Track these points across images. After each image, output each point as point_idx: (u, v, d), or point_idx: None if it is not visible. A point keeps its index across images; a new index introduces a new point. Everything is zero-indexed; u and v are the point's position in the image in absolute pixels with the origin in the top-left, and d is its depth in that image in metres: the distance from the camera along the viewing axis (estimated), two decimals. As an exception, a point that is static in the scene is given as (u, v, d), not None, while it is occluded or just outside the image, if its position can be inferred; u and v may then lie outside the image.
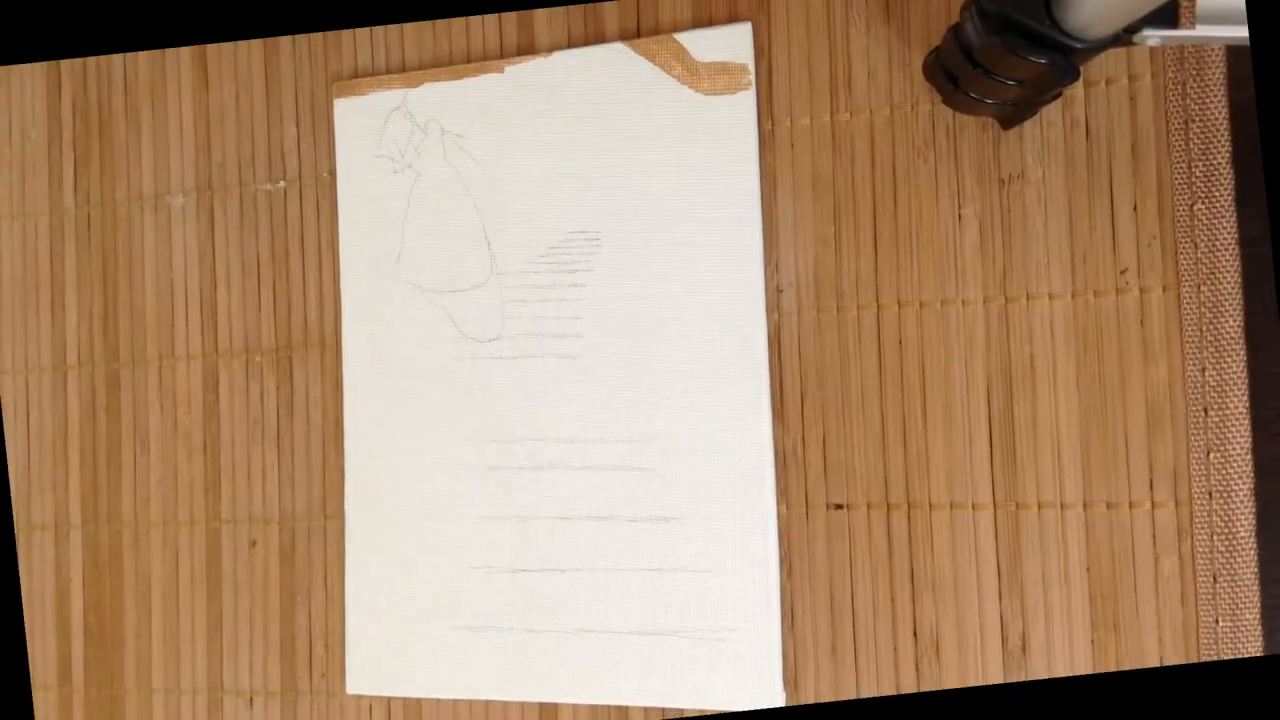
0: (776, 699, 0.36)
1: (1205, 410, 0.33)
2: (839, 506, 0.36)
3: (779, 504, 0.36)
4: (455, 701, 0.39)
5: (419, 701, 0.40)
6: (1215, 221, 0.33)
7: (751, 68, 0.37)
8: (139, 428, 0.44)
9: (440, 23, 0.41)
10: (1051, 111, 0.34)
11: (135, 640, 0.44)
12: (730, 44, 0.37)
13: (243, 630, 0.42)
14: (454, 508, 0.39)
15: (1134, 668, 0.33)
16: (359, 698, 0.41)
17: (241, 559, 0.42)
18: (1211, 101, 0.33)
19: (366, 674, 0.40)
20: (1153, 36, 0.27)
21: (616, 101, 0.38)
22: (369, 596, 0.40)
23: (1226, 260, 0.33)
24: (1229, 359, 0.33)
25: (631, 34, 0.39)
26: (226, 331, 0.43)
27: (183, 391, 0.43)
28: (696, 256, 0.37)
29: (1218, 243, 0.33)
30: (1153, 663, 0.33)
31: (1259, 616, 0.32)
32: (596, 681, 0.37)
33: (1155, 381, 0.33)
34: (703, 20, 0.38)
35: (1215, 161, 0.33)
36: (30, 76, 0.47)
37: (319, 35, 0.42)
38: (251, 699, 0.42)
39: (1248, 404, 0.32)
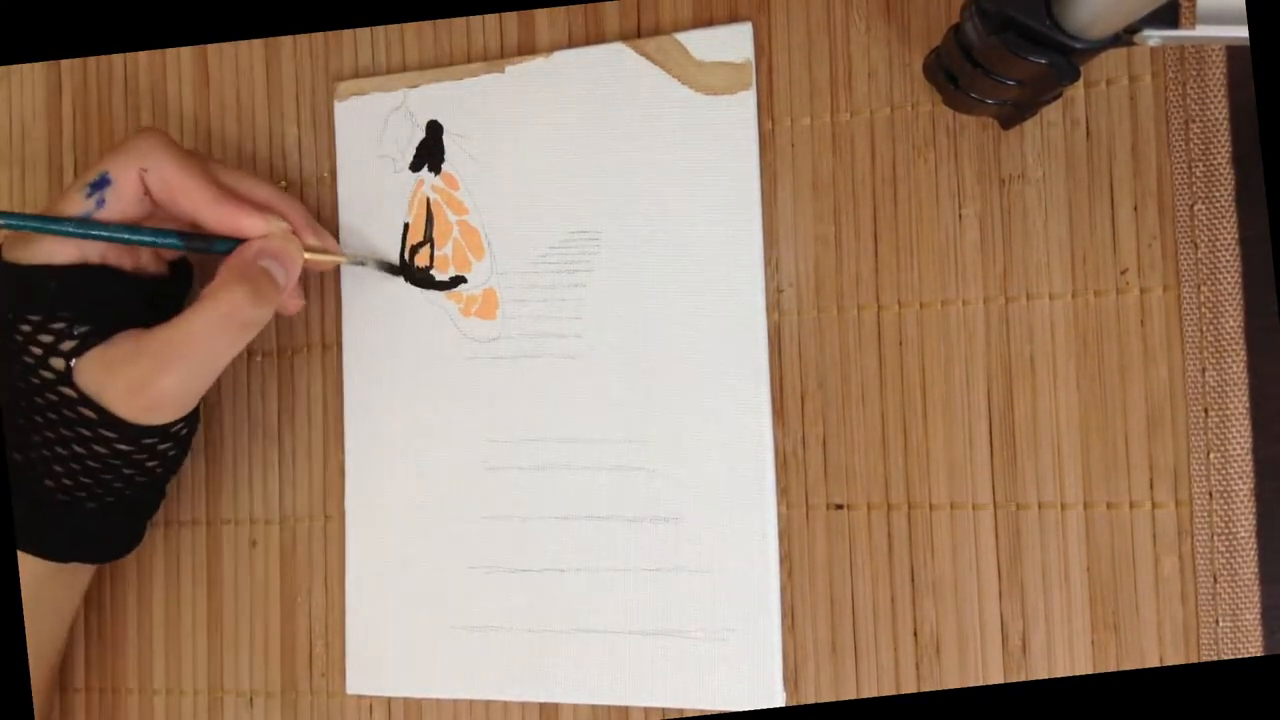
0: (776, 699, 0.36)
1: (1205, 410, 0.33)
2: (839, 507, 0.36)
3: (779, 504, 0.37)
4: (455, 701, 0.40)
5: (419, 701, 0.40)
6: (1215, 222, 0.33)
7: (752, 67, 0.37)
8: (139, 428, 0.44)
9: (441, 22, 0.41)
10: (1051, 111, 0.34)
11: (136, 641, 0.44)
12: (731, 44, 0.37)
13: (243, 630, 0.42)
14: (454, 507, 0.39)
15: (1134, 668, 0.33)
16: (359, 697, 0.41)
17: (242, 559, 0.43)
18: (1211, 102, 0.33)
19: (367, 674, 0.40)
20: (1153, 36, 0.27)
21: (617, 101, 0.38)
22: (369, 596, 0.40)
23: (1226, 260, 0.33)
24: (1229, 359, 0.33)
25: (632, 34, 0.39)
26: (227, 331, 0.43)
27: (183, 391, 0.43)
28: (697, 256, 0.37)
29: (1218, 243, 0.33)
30: (1153, 663, 0.33)
31: (1259, 616, 0.32)
32: (597, 681, 0.38)
33: (1155, 382, 0.33)
34: (703, 20, 0.38)
35: (1215, 161, 0.33)
36: (30, 76, 0.47)
37: (319, 35, 0.42)
38: (251, 699, 0.42)
39: (1248, 404, 0.32)
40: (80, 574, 0.40)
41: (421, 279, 0.40)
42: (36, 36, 0.44)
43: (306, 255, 0.38)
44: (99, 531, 0.39)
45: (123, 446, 0.36)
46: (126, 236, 0.36)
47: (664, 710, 0.37)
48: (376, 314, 0.41)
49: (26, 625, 0.38)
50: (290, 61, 0.43)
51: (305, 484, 0.42)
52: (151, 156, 0.36)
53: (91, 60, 0.46)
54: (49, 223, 0.35)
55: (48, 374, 0.35)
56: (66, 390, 0.35)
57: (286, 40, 0.43)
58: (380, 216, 0.41)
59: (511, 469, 0.39)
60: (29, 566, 0.38)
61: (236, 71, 0.43)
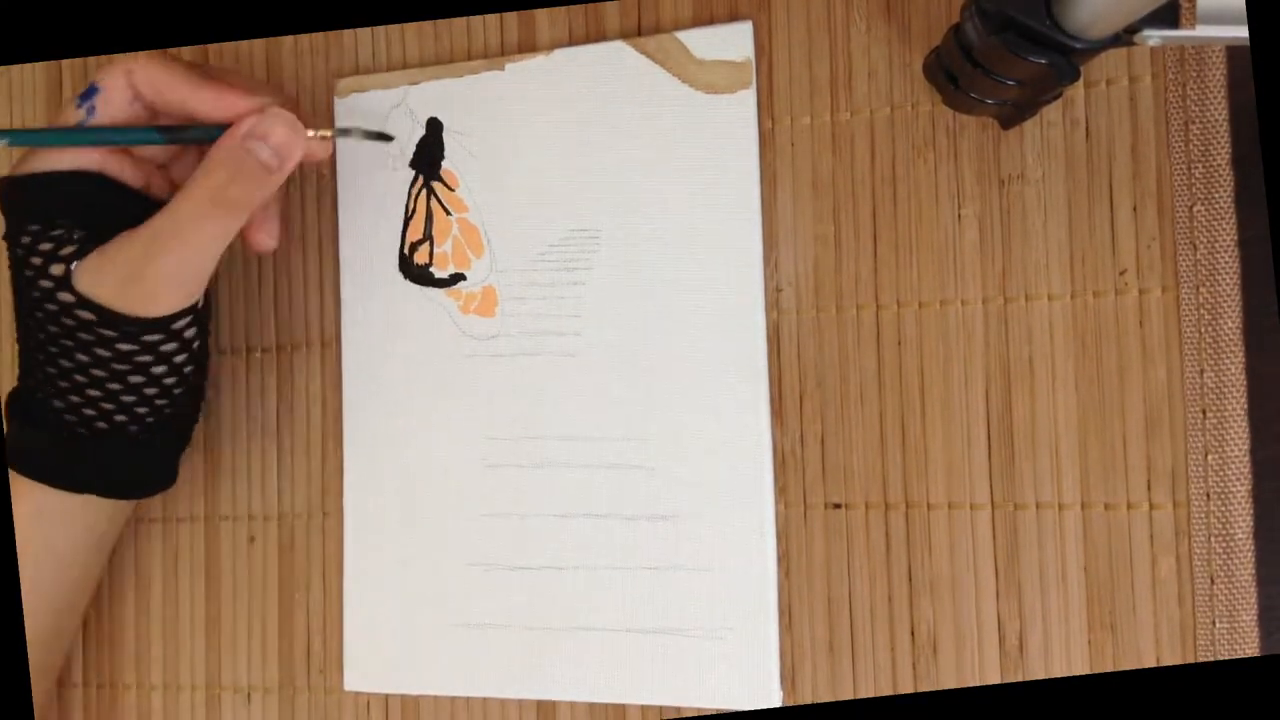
0: (773, 698, 0.36)
1: (1204, 412, 0.33)
2: (837, 506, 0.36)
3: (777, 503, 0.37)
4: (453, 699, 0.40)
5: (416, 699, 0.40)
6: (1215, 223, 0.33)
7: (752, 66, 0.37)
8: (138, 424, 0.44)
9: (441, 20, 0.41)
10: (1051, 111, 0.34)
11: (134, 637, 0.44)
12: (731, 42, 0.37)
13: (240, 626, 0.42)
14: (453, 505, 0.39)
15: (1131, 668, 0.33)
16: (357, 694, 0.41)
17: (240, 555, 0.43)
18: (1211, 102, 0.33)
19: (365, 671, 0.40)
20: (1153, 36, 0.28)
21: (617, 99, 0.38)
22: (367, 593, 0.40)
23: (1225, 262, 0.33)
24: (1227, 361, 0.33)
25: (632, 32, 0.39)
26: (227, 328, 0.43)
27: (182, 388, 0.43)
28: (696, 255, 0.37)
29: (1217, 244, 0.33)
30: (1150, 663, 0.33)
31: (1256, 617, 0.32)
32: (594, 679, 0.38)
33: (1154, 383, 0.33)
34: (703, 19, 0.38)
35: (1215, 162, 0.33)
36: (30, 76, 0.47)
37: (320, 34, 0.42)
38: (249, 695, 0.42)
39: (1246, 406, 0.32)
40: (103, 507, 0.39)
41: (421, 276, 0.40)
42: (36, 36, 0.44)
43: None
44: (118, 461, 0.38)
45: (124, 346, 0.36)
46: (107, 136, 0.36)
47: (661, 708, 0.37)
48: (375, 311, 0.41)
49: (52, 561, 0.39)
50: (291, 58, 0.43)
51: (304, 480, 0.42)
52: (138, 60, 0.36)
53: (92, 60, 0.46)
54: (20, 136, 0.36)
55: (47, 283, 0.36)
56: (65, 296, 0.35)
57: (288, 39, 0.43)
58: (380, 213, 0.41)
59: (510, 467, 0.39)
60: (42, 498, 0.37)
61: (237, 71, 0.43)
